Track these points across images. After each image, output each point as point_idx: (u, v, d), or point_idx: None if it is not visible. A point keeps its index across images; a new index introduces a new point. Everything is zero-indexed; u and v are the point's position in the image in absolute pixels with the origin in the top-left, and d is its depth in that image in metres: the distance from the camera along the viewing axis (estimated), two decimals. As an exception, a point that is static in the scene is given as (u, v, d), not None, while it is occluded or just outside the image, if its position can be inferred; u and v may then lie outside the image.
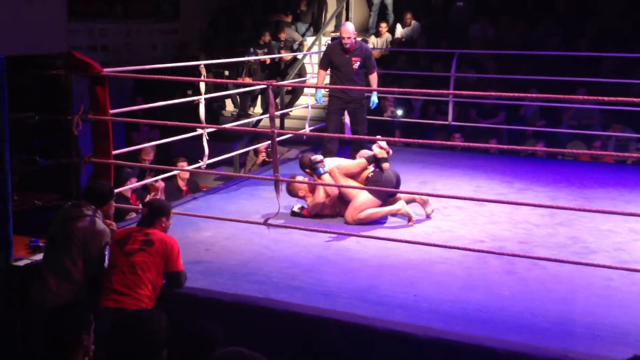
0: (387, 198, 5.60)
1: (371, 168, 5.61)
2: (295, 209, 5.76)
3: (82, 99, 5.00)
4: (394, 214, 5.62)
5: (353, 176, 5.62)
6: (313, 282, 4.32)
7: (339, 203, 5.68)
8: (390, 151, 5.66)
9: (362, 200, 5.50)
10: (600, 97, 4.22)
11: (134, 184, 6.64)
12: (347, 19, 11.19)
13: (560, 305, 4.04)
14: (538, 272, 4.54)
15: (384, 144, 5.56)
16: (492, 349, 3.50)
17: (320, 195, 5.64)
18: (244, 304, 4.01)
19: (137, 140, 9.00)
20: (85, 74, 4.90)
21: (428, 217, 5.69)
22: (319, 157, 5.73)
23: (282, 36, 11.58)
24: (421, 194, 5.76)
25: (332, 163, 5.79)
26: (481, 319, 3.84)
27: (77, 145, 5.13)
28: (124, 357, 2.38)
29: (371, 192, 5.49)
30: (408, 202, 5.71)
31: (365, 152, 5.79)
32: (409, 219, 5.51)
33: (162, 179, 6.86)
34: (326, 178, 5.60)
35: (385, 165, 5.58)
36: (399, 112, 9.57)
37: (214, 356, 2.32)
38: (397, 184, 5.67)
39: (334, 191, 5.64)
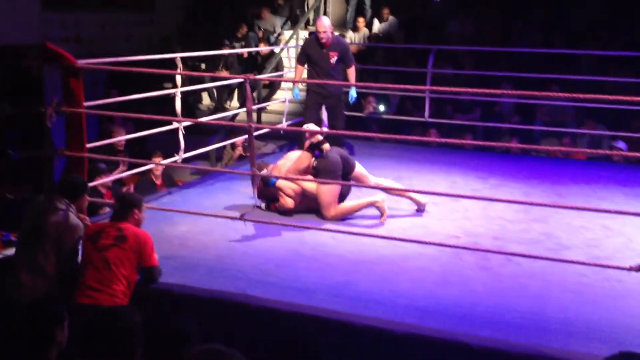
0: (345, 178, 5.56)
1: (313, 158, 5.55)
2: (263, 206, 5.72)
3: (55, 91, 4.93)
4: (371, 206, 5.57)
5: (305, 170, 5.57)
6: (289, 278, 4.31)
7: (306, 199, 5.64)
8: (324, 129, 5.64)
9: (325, 193, 5.44)
10: (574, 94, 4.25)
11: (107, 178, 6.56)
12: (324, 14, 11.18)
13: (534, 300, 4.08)
14: (512, 267, 4.58)
15: (311, 127, 5.57)
16: (467, 344, 3.52)
17: (288, 201, 5.61)
18: (219, 300, 3.99)
19: (110, 130, 8.88)
20: (58, 66, 4.83)
21: (421, 207, 5.69)
22: (264, 171, 5.65)
23: (266, 16, 11.52)
24: (394, 189, 5.76)
25: (285, 163, 5.77)
26: (456, 314, 3.87)
27: (50, 138, 5.06)
28: (98, 354, 2.36)
29: (325, 179, 5.44)
30: (399, 194, 5.69)
31: (307, 126, 5.77)
32: (382, 214, 5.49)
33: (137, 174, 6.81)
34: (281, 184, 5.57)
35: (326, 146, 5.53)
36: (382, 108, 9.57)
37: (191, 353, 2.31)
38: (347, 161, 5.61)
39: (296, 191, 5.59)
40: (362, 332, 3.69)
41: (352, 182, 5.67)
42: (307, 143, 5.65)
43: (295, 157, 5.75)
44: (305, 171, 5.57)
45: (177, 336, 2.81)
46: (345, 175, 5.60)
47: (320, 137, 5.52)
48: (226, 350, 2.27)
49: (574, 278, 4.39)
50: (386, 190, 5.69)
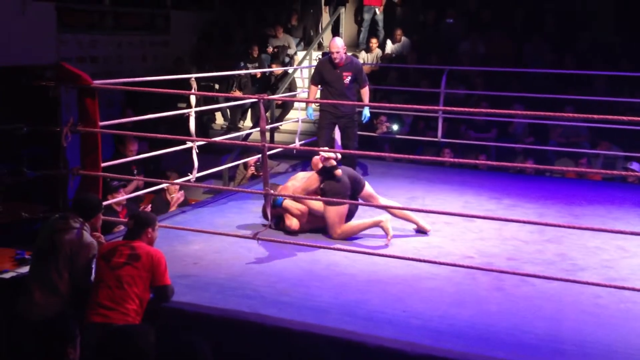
0: (354, 198, 5.54)
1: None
2: (272, 225, 5.71)
3: (70, 110, 4.98)
4: (376, 226, 5.54)
5: (313, 191, 5.56)
6: (302, 297, 4.30)
7: (313, 218, 5.64)
8: (338, 156, 5.60)
9: (331, 212, 5.44)
10: (588, 115, 4.24)
11: (121, 196, 6.58)
12: (338, 34, 11.25)
13: (548, 322, 4.04)
14: (527, 288, 4.54)
15: (326, 154, 5.53)
16: (481, 365, 3.49)
17: (293, 222, 5.61)
18: (232, 319, 3.98)
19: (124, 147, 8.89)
20: (74, 86, 4.88)
21: (424, 232, 5.67)
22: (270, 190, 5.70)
23: (280, 35, 11.61)
24: (410, 209, 5.75)
25: (293, 184, 5.75)
26: (470, 335, 3.83)
27: (65, 157, 5.10)
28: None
29: (323, 195, 5.45)
30: (403, 218, 5.66)
31: (315, 161, 5.72)
32: (387, 234, 5.42)
33: (152, 192, 6.83)
34: (287, 204, 5.56)
35: (338, 172, 5.52)
36: (395, 127, 9.56)
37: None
38: (356, 182, 5.60)
39: (302, 211, 5.60)
40: (375, 353, 3.67)
41: (358, 202, 5.63)
42: (318, 164, 5.64)
43: (303, 178, 5.75)
44: (314, 192, 5.57)
45: (189, 355, 2.80)
46: (353, 195, 5.60)
47: (334, 163, 5.52)
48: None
49: (589, 299, 4.34)
50: (392, 212, 5.66)
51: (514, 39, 10.68)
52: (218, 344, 3.04)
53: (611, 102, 8.22)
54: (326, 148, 5.66)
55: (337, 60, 7.04)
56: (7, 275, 4.63)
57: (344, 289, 4.48)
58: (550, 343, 3.76)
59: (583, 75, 9.00)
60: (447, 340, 3.73)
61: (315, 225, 5.64)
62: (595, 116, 4.18)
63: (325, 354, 3.72)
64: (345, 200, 5.41)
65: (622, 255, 5.28)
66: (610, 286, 4.21)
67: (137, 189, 6.93)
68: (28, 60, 9.39)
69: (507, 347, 3.69)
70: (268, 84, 11.17)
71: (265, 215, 5.40)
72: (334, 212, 5.43)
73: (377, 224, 5.47)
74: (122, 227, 5.96)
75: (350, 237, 5.47)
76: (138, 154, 7.15)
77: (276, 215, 5.65)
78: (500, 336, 3.83)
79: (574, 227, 4.37)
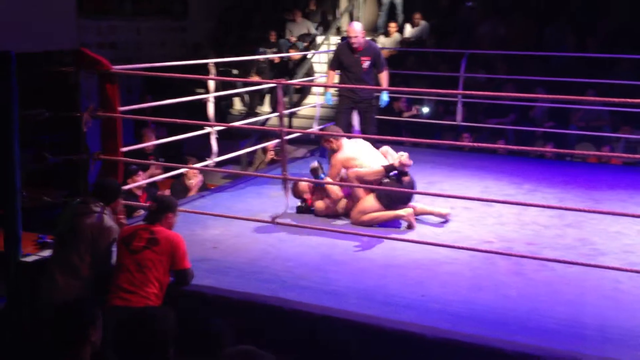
0: (396, 206, 5.44)
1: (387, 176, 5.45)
2: (300, 203, 5.74)
3: (90, 96, 5.01)
4: (399, 219, 5.51)
5: (366, 183, 5.43)
6: (321, 282, 4.31)
7: (349, 201, 5.63)
8: (411, 163, 5.51)
9: (367, 205, 5.43)
10: (608, 99, 4.18)
11: (142, 180, 6.62)
12: (356, 19, 11.19)
13: (568, 307, 4.02)
14: (546, 273, 4.51)
15: (406, 159, 5.39)
16: (501, 350, 3.48)
17: (323, 205, 5.63)
18: (252, 302, 4.01)
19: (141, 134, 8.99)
20: (94, 71, 4.91)
21: (445, 219, 5.62)
22: (315, 163, 5.71)
23: (298, 20, 11.60)
24: (429, 194, 5.72)
25: (351, 150, 5.64)
26: (489, 319, 3.83)
27: (86, 142, 5.14)
28: (131, 355, 2.38)
29: (378, 198, 5.41)
30: (420, 213, 5.61)
31: (385, 150, 5.68)
32: (409, 225, 5.40)
33: (171, 177, 6.86)
34: (329, 186, 5.57)
35: (406, 178, 5.46)
36: (425, 110, 9.43)
37: (224, 354, 2.32)
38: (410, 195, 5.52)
39: (339, 196, 5.61)
40: (394, 337, 3.67)
41: (399, 189, 5.50)
42: (389, 153, 5.59)
43: (370, 163, 5.56)
44: (369, 182, 5.43)
45: (209, 338, 2.83)
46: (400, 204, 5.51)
47: (407, 168, 5.40)
48: (259, 351, 2.28)
49: (609, 284, 4.31)
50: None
51: (535, 22, 10.54)
52: (238, 327, 3.05)
53: (634, 86, 8.11)
54: (389, 148, 5.55)
55: (355, 45, 7.00)
56: (30, 259, 4.70)
57: (363, 273, 4.48)
58: (570, 328, 3.75)
59: (606, 58, 8.88)
60: (466, 325, 3.73)
61: (338, 211, 5.66)
62: (615, 99, 4.12)
63: (344, 337, 3.73)
64: (394, 189, 5.34)
65: (643, 240, 5.23)
66: (632, 271, 4.18)
67: (152, 177, 6.99)
68: (48, 46, 9.45)
69: (526, 331, 3.68)
70: (286, 68, 11.16)
71: (297, 196, 5.59)
72: (370, 204, 5.41)
73: (399, 217, 5.45)
74: (141, 212, 6.01)
75: (369, 225, 5.45)
76: (157, 139, 7.20)
77: (301, 197, 5.69)
78: (519, 321, 3.82)
79: (594, 212, 4.35)
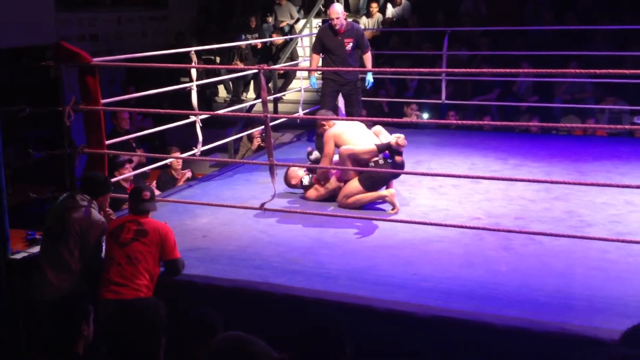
0: (379, 187, 5.47)
1: (381, 155, 5.40)
2: (306, 181, 5.73)
3: (72, 90, 4.97)
4: (381, 200, 5.52)
5: (359, 161, 5.41)
6: (312, 265, 4.32)
7: (341, 178, 5.63)
8: (406, 144, 5.46)
9: (351, 187, 5.44)
10: (592, 70, 4.19)
11: (128, 172, 6.59)
12: (337, 0, 11.13)
13: (557, 279, 4.06)
14: (535, 247, 4.55)
15: (402, 140, 5.34)
16: (492, 324, 3.51)
17: (311, 194, 5.68)
18: (243, 289, 4.02)
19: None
20: (74, 64, 4.86)
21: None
22: (315, 154, 5.81)
23: (282, 1, 11.57)
24: (417, 173, 5.74)
25: (343, 126, 5.62)
26: (480, 295, 3.86)
27: (70, 136, 5.11)
28: (123, 347, 2.38)
29: (361, 181, 5.41)
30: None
31: (378, 130, 5.67)
32: (393, 207, 5.38)
33: (157, 168, 6.83)
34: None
35: (399, 157, 5.44)
36: (425, 115, 9.27)
37: (213, 341, 2.33)
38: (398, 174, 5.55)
39: (333, 186, 5.64)
40: (387, 317, 3.70)
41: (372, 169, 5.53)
42: (383, 133, 5.58)
43: (363, 139, 5.52)
44: (359, 161, 5.39)
45: (201, 327, 2.84)
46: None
47: (402, 148, 5.36)
48: (247, 337, 2.29)
49: (597, 255, 4.35)
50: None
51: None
52: (230, 315, 3.06)
53: (617, 57, 8.14)
54: (402, 136, 5.50)
55: (337, 27, 6.97)
56: (19, 256, 4.68)
57: (353, 255, 4.50)
58: (560, 299, 3.78)
59: (586, 31, 8.89)
60: (457, 301, 3.76)
61: (327, 196, 5.68)
62: (598, 71, 4.13)
63: (337, 320, 3.74)
64: (380, 170, 5.34)
65: (629, 209, 5.27)
66: (619, 240, 4.23)
67: (140, 164, 6.95)
68: (28, 41, 9.35)
69: (517, 305, 3.71)
70: (269, 54, 11.10)
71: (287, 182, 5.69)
72: (354, 186, 5.41)
73: (382, 198, 5.46)
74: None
75: (355, 207, 5.45)
76: (142, 130, 7.15)
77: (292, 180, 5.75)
78: (510, 295, 3.85)
79: (580, 184, 4.39)
